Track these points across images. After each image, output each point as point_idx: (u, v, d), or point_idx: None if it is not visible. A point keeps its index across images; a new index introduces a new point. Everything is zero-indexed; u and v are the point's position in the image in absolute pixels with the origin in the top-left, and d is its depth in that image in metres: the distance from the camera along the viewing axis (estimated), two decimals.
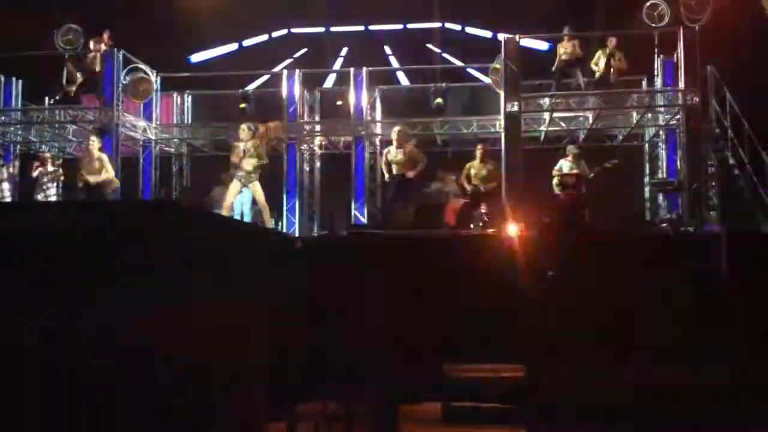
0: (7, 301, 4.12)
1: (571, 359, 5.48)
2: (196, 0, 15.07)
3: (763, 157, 11.06)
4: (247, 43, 17.16)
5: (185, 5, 15.15)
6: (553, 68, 12.44)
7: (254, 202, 10.68)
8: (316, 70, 15.22)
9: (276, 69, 15.30)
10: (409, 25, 16.82)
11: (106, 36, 12.76)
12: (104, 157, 10.71)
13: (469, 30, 16.59)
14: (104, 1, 14.44)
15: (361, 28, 16.92)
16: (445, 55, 16.49)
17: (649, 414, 5.08)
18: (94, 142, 10.68)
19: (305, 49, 17.18)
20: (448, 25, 16.63)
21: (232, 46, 17.03)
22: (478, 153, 10.83)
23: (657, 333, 5.86)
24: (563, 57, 12.27)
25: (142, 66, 13.39)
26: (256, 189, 9.93)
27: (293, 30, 17.15)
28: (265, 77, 15.69)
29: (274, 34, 17.20)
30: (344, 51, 17.10)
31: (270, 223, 10.30)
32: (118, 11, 14.04)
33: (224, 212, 9.72)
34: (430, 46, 16.78)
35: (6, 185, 12.37)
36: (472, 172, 10.72)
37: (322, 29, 17.06)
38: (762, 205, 10.99)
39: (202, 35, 15.94)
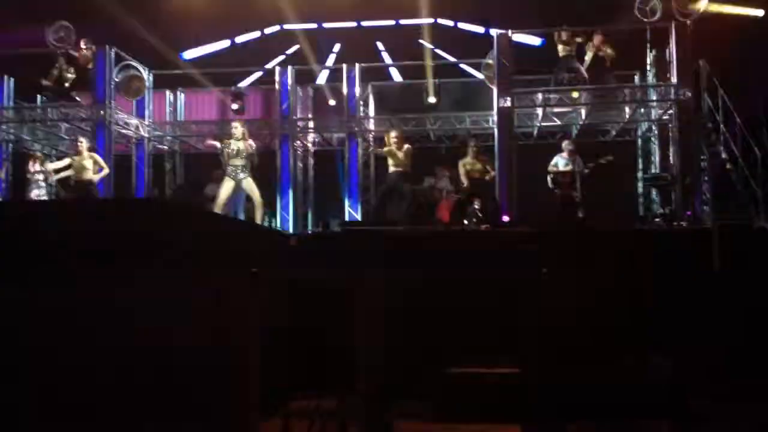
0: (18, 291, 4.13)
1: (568, 357, 5.49)
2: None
3: (755, 150, 11.09)
4: (239, 39, 17.09)
5: (177, 2, 15.12)
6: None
7: (247, 198, 10.67)
8: (308, 66, 15.20)
9: (269, 65, 15.28)
10: (402, 21, 16.77)
11: (82, 43, 12.61)
12: (95, 156, 10.92)
13: (461, 26, 16.56)
14: None
15: (354, 24, 16.87)
16: (437, 51, 16.46)
17: (641, 410, 5.10)
18: (83, 143, 10.84)
19: (298, 46, 17.13)
20: (440, 21, 16.59)
21: (225, 43, 16.97)
22: (470, 150, 10.91)
23: (652, 327, 5.88)
24: (562, 53, 12.16)
25: (134, 63, 13.35)
26: (251, 185, 9.93)
27: (286, 26, 17.08)
28: (258, 74, 15.67)
29: (267, 31, 17.13)
30: (337, 47, 17.06)
31: (261, 220, 10.28)
32: (110, 8, 13.98)
33: (217, 210, 9.71)
34: (422, 42, 16.75)
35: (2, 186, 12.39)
36: (468, 167, 10.80)
37: (314, 25, 17.01)
38: (754, 199, 11.01)
39: (194, 32, 15.89)
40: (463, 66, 15.27)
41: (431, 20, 16.30)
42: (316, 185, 14.65)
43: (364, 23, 16.84)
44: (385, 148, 10.45)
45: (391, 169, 10.39)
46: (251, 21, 16.68)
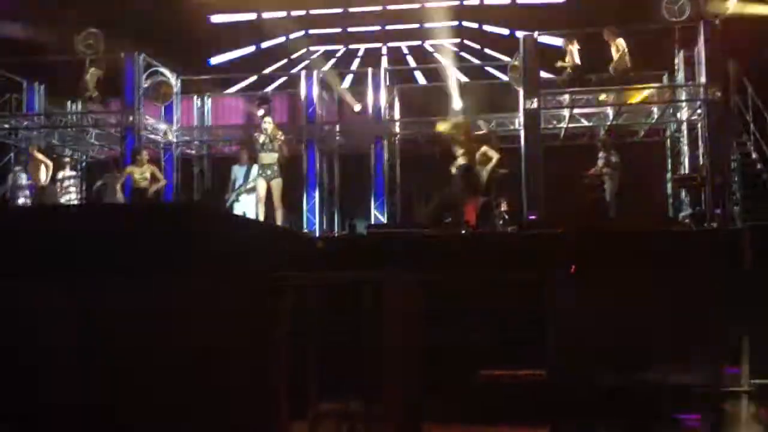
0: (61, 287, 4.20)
1: (594, 357, 5.45)
2: (215, 2, 15.20)
3: None
4: (265, 44, 17.20)
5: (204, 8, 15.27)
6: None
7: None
8: (334, 70, 15.25)
9: (294, 70, 15.37)
10: (426, 24, 16.77)
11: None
12: (153, 167, 11.47)
13: (486, 28, 16.52)
14: (124, 4, 14.59)
15: (378, 27, 16.91)
16: (462, 53, 16.44)
17: (670, 412, 5.05)
18: (143, 154, 11.34)
19: (323, 49, 17.20)
20: (465, 23, 16.57)
21: (251, 48, 17.09)
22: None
23: (680, 331, 5.81)
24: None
25: (162, 69, 13.49)
26: (276, 187, 9.88)
27: (311, 31, 17.17)
28: (284, 78, 15.77)
29: (292, 36, 17.23)
30: (362, 51, 17.11)
31: (281, 222, 10.24)
32: (138, 15, 14.16)
33: (260, 209, 9.78)
34: (447, 44, 16.74)
35: (27, 192, 12.56)
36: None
37: (339, 30, 17.07)
38: None
39: (221, 37, 16.04)
40: (488, 68, 15.26)
41: (456, 22, 16.30)
42: (341, 188, 14.69)
43: (389, 27, 16.87)
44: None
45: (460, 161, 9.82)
46: (277, 25, 16.80)
